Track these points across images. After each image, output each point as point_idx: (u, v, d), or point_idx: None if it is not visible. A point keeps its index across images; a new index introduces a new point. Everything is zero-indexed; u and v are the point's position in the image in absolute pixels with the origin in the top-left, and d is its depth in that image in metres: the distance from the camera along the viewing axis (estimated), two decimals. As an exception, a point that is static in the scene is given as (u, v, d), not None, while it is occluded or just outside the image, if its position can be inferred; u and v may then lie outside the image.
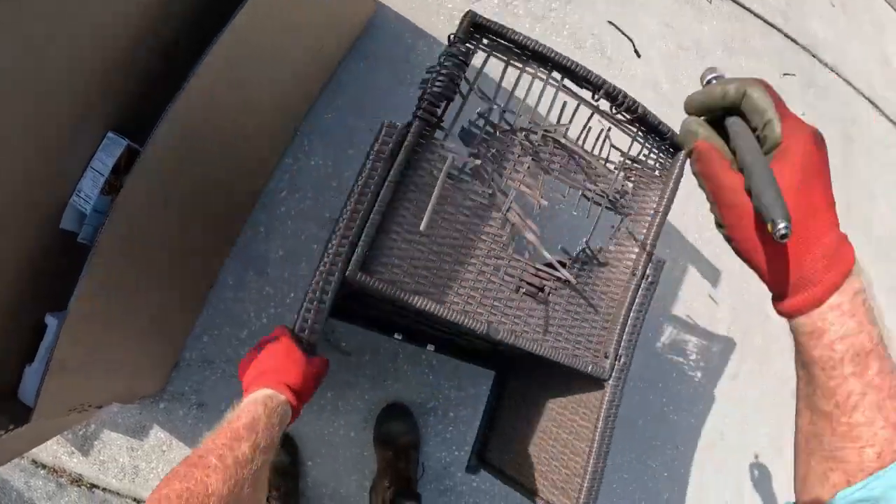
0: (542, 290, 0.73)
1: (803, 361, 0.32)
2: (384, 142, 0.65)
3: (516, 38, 0.68)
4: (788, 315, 0.32)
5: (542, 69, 0.71)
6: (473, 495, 1.23)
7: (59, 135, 0.63)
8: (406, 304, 0.66)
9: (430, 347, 1.05)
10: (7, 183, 0.58)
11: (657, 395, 1.37)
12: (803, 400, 0.32)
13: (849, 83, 1.88)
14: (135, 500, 1.18)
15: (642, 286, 0.76)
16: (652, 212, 0.76)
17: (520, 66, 0.71)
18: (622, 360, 0.75)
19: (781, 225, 0.27)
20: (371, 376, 1.19)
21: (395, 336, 1.00)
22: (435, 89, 0.67)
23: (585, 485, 0.73)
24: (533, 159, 0.73)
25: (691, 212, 1.40)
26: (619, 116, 0.74)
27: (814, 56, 1.80)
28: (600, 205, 0.75)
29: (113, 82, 0.66)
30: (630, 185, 0.77)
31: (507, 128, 0.72)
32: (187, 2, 0.72)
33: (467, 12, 0.68)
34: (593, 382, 0.77)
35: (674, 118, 1.45)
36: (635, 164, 0.76)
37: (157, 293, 0.93)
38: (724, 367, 1.44)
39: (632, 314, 0.75)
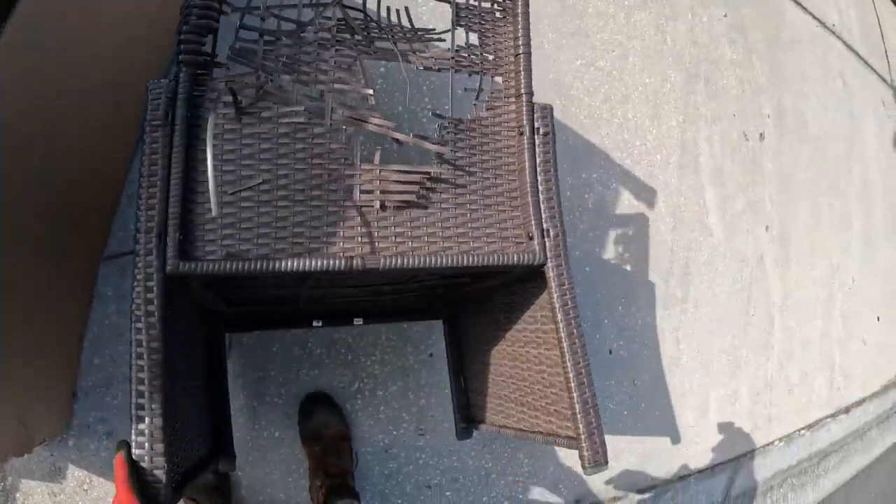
0: (415, 193, 0.60)
1: None
2: (154, 106, 0.54)
3: None
4: None
5: None
6: (421, 472, 1.14)
7: None
8: (254, 275, 0.54)
9: (359, 321, 0.93)
10: None
11: (604, 332, 1.29)
12: None
13: (769, -23, 1.79)
14: (63, 547, 1.07)
15: (538, 142, 0.64)
16: (513, 57, 0.66)
17: None
18: (552, 233, 0.63)
19: None
20: (282, 367, 1.06)
21: (315, 324, 0.88)
22: (192, 22, 0.54)
23: (576, 397, 0.61)
24: (337, 49, 0.60)
25: (614, 130, 1.29)
26: None
27: (731, -51, 1.68)
28: (448, 69, 0.64)
29: None
30: (475, 36, 0.67)
31: (293, 26, 0.60)
32: None
33: None
34: (533, 277, 0.66)
35: (585, 31, 1.31)
36: (468, 13, 0.66)
37: (26, 326, 0.80)
38: (671, 290, 1.38)
39: (540, 177, 0.64)
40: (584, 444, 0.60)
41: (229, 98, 0.56)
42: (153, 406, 0.53)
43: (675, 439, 1.44)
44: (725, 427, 1.56)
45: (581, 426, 0.61)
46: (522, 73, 0.65)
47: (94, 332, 1.03)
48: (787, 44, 1.82)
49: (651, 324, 1.36)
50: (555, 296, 0.62)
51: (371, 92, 0.59)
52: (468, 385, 0.95)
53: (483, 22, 0.66)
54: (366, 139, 0.60)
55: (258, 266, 0.53)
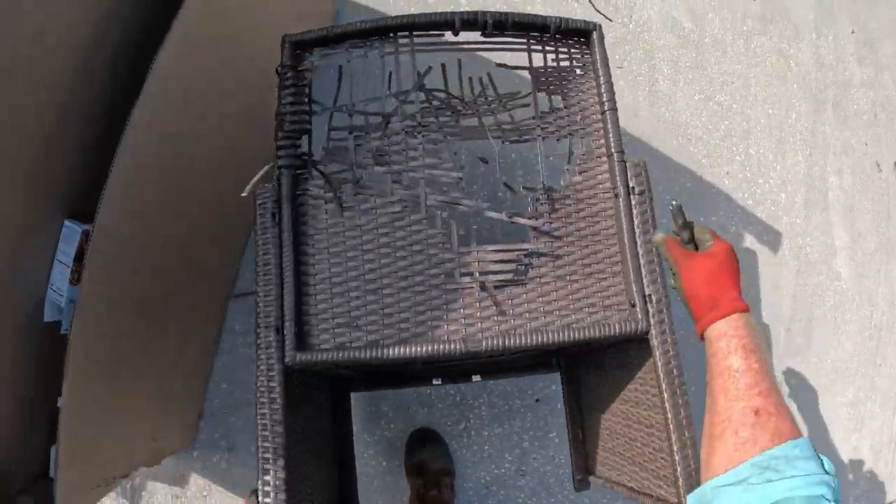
0: (513, 270, 0.61)
1: (708, 357, 0.49)
2: (262, 210, 0.60)
3: (343, 31, 0.63)
4: (711, 321, 0.49)
5: (387, 42, 0.64)
6: (523, 514, 1.14)
7: (21, 228, 0.62)
8: (365, 363, 0.58)
9: (476, 378, 0.95)
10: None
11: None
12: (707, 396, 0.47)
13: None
14: (184, 545, 1.18)
15: (634, 202, 0.62)
16: (599, 116, 0.65)
17: (362, 50, 0.64)
18: (654, 298, 0.60)
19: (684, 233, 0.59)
20: (394, 404, 1.10)
21: (435, 382, 0.92)
22: (286, 128, 0.61)
23: (680, 470, 0.59)
24: (424, 134, 0.63)
25: (735, 169, 1.21)
26: (495, 39, 0.64)
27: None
28: (534, 138, 0.64)
29: (61, 166, 0.63)
30: (559, 99, 0.66)
31: (378, 120, 0.64)
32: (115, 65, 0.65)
33: (283, 39, 0.62)
34: (639, 340, 0.64)
35: (703, 63, 1.25)
36: (547, 75, 0.66)
37: (160, 359, 0.89)
38: (793, 338, 1.27)
39: (639, 240, 0.61)
40: None
41: (330, 195, 0.61)
42: (277, 464, 0.57)
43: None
44: (841, 488, 1.42)
45: (684, 498, 0.57)
46: (611, 131, 0.64)
47: (223, 360, 1.13)
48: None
49: (766, 373, 1.26)
50: (659, 364, 0.59)
51: (460, 175, 0.61)
52: (585, 436, 0.93)
53: (564, 82, 0.66)
54: (461, 220, 0.62)
55: (367, 354, 0.57)
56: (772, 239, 1.23)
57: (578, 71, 0.66)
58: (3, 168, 0.56)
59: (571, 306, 0.61)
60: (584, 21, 0.65)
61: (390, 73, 0.63)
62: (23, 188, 0.60)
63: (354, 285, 0.60)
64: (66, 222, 0.69)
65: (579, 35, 0.66)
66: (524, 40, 0.65)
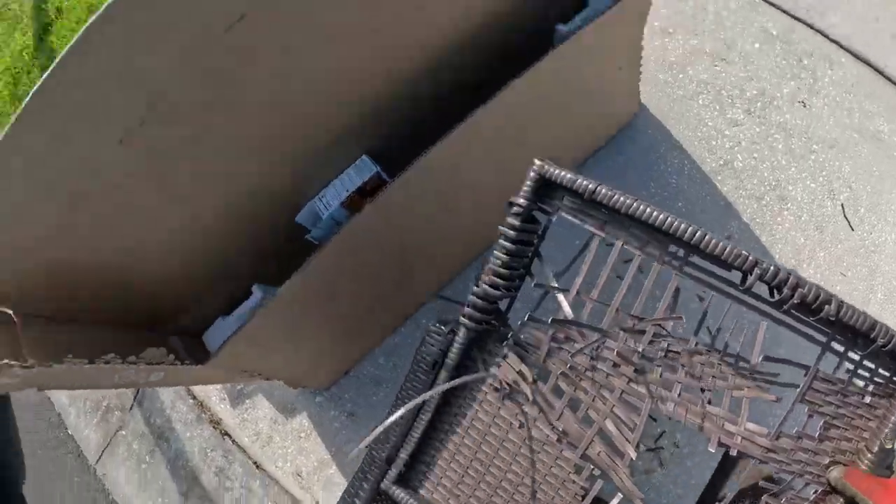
0: None
1: None
2: (427, 351, 0.56)
3: (611, 200, 0.48)
4: None
5: (655, 242, 0.49)
6: None
7: (308, 144, 0.70)
8: None
9: None
10: (254, 174, 0.66)
11: None
12: None
13: None
14: (255, 464, 1.20)
15: None
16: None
17: (622, 231, 0.50)
18: None
19: None
20: None
21: None
22: (487, 288, 0.52)
23: None
24: (631, 381, 0.51)
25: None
26: (795, 313, 0.47)
27: None
28: (753, 456, 0.48)
29: (376, 115, 0.71)
30: (819, 423, 0.49)
31: (594, 331, 0.52)
32: (460, 65, 0.73)
33: (537, 166, 0.51)
34: None
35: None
36: (827, 388, 0.48)
37: (359, 307, 0.97)
38: None
39: None
40: None
41: (495, 371, 0.54)
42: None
43: None
44: None
45: None
46: None
47: (395, 340, 1.21)
48: None
49: None
50: None
51: (634, 456, 0.50)
52: None
53: (840, 406, 0.48)
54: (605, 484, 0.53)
55: None
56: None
57: (867, 398, 0.49)
58: (329, 101, 0.64)
59: None
60: None
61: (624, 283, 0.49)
62: (337, 121, 0.67)
63: (476, 467, 0.56)
64: (364, 156, 0.76)
65: None
66: (828, 331, 0.47)
